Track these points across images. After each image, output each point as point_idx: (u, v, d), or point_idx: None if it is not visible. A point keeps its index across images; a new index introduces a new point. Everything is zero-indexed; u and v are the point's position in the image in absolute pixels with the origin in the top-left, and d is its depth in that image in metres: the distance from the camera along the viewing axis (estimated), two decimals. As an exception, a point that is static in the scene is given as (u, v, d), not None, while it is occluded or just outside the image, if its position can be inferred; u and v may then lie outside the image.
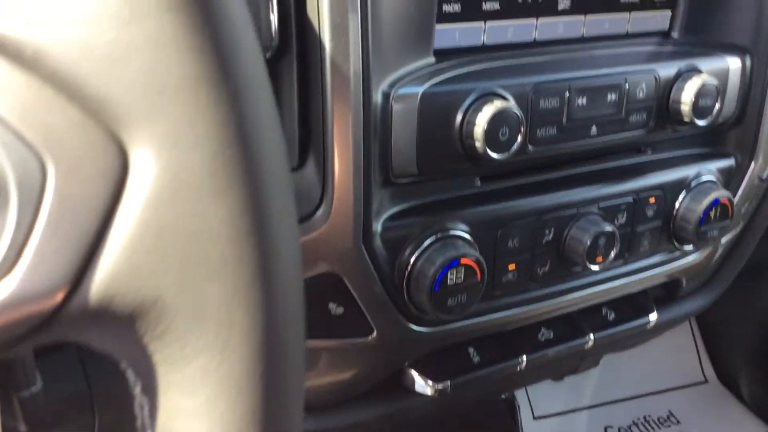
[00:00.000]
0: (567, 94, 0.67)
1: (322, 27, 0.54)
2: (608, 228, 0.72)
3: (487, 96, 0.62)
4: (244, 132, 0.29)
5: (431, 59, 0.64)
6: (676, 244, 0.82)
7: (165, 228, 0.28)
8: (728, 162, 0.84)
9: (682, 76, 0.74)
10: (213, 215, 0.28)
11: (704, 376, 1.46)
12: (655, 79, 0.72)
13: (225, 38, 0.29)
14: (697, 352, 1.47)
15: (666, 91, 0.73)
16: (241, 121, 0.29)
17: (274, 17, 0.53)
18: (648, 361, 1.42)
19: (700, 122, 0.74)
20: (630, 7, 0.75)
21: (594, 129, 0.70)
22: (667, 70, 0.73)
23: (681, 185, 0.80)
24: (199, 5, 0.28)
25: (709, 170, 0.83)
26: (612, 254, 0.73)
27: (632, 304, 0.89)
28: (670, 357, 1.44)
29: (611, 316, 0.87)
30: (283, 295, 0.31)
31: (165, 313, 0.29)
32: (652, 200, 0.78)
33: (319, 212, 0.59)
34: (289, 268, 0.31)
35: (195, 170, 0.28)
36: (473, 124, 0.61)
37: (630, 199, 0.77)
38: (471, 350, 0.77)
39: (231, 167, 0.28)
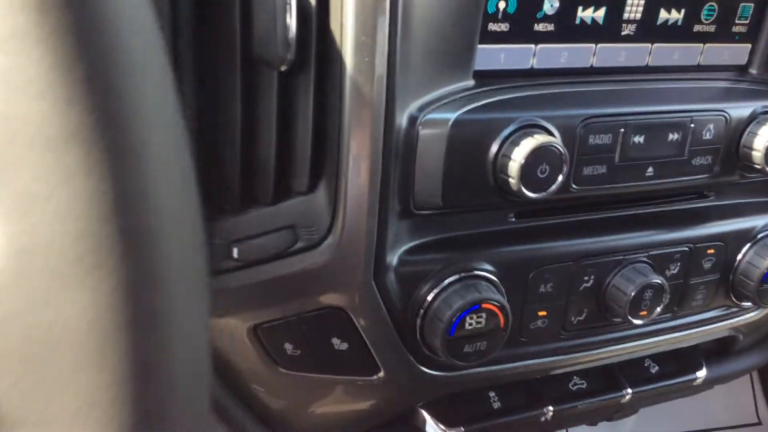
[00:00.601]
0: (622, 130, 0.60)
1: (345, 43, 0.49)
2: (657, 280, 0.65)
3: (528, 128, 0.56)
4: (130, 205, 0.22)
5: (470, 82, 0.58)
6: (734, 299, 0.74)
7: (3, 321, 0.22)
8: (804, 214, 0.75)
9: (757, 119, 0.66)
10: (70, 308, 0.22)
11: (758, 417, 1.36)
12: (726, 120, 0.64)
13: (112, 78, 0.22)
14: (753, 390, 1.37)
15: (737, 134, 0.66)
16: (128, 191, 0.22)
17: (292, 23, 0.48)
18: (696, 396, 1.33)
19: (773, 172, 0.65)
20: (704, 38, 0.67)
21: (651, 170, 0.63)
22: (739, 110, 0.65)
23: (746, 237, 0.72)
24: (74, 33, 0.21)
25: (779, 222, 0.74)
26: (658, 309, 0.66)
27: (679, 358, 0.81)
28: (720, 393, 1.33)
29: (654, 369, 0.80)
30: (171, 409, 0.24)
31: (1, 426, 0.23)
32: (711, 251, 0.70)
33: (327, 241, 0.54)
34: (181, 371, 0.24)
35: (51, 250, 0.22)
36: (509, 158, 0.55)
37: (686, 248, 0.69)
38: (492, 395, 0.72)
39: (103, 250, 0.22)
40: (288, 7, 0.47)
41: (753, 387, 1.36)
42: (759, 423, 1.36)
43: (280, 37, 0.48)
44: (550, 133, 0.57)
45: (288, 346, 0.59)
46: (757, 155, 0.65)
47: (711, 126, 0.64)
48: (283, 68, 0.49)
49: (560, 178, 0.56)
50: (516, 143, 0.55)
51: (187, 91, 0.51)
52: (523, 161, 0.54)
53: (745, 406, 1.36)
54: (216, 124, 0.52)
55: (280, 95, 0.51)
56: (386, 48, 0.49)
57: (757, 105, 0.66)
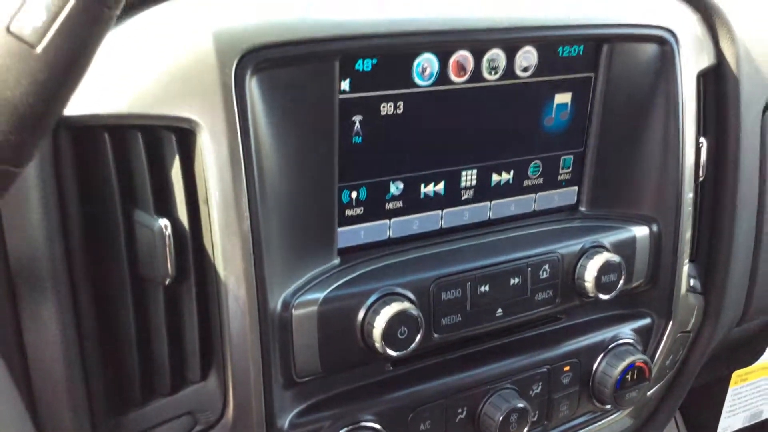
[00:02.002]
0: (468, 284, 0.71)
1: (216, 255, 0.58)
2: (520, 404, 0.75)
3: (387, 296, 0.66)
4: None
5: (336, 260, 0.68)
6: (596, 405, 0.85)
7: None
8: (645, 322, 0.88)
9: (585, 254, 0.78)
10: None
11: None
12: (558, 259, 0.76)
13: None
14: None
15: (570, 268, 0.77)
16: None
17: (171, 250, 0.57)
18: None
19: (604, 297, 0.77)
20: (535, 189, 0.80)
21: (500, 311, 0.74)
22: (570, 248, 0.77)
23: (597, 350, 0.83)
24: None
25: (625, 333, 0.86)
26: (526, 428, 0.76)
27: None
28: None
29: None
30: None
31: None
32: (567, 368, 0.81)
33: (222, 421, 0.62)
34: None
35: None
36: (372, 325, 0.65)
37: (544, 369, 0.80)
38: None
39: None
40: (166, 235, 0.57)
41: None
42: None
43: (161, 261, 0.57)
44: (407, 298, 0.67)
45: None
46: (589, 285, 0.77)
47: (546, 266, 0.76)
48: (166, 282, 0.58)
49: (418, 337, 0.66)
50: (377, 312, 0.65)
51: (84, 302, 0.58)
52: (384, 326, 0.64)
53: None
54: (114, 330, 0.60)
55: (168, 303, 0.60)
56: (252, 253, 0.59)
57: (585, 240, 0.79)
